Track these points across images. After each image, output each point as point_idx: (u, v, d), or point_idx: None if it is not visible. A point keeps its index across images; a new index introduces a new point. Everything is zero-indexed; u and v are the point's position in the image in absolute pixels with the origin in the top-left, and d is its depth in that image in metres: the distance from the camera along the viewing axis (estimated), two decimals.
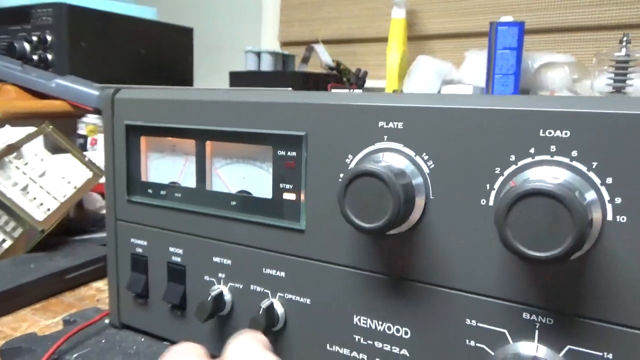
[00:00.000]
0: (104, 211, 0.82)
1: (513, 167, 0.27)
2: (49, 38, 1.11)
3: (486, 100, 0.29)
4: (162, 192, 0.42)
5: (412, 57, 1.30)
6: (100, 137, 0.99)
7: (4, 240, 0.65)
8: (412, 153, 0.30)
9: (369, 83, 1.33)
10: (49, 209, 0.68)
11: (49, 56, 1.12)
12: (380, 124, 0.31)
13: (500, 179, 0.28)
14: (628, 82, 0.93)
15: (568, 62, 1.06)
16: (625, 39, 0.93)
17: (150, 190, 0.43)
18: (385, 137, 0.31)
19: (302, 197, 0.35)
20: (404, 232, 0.31)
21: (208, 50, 1.65)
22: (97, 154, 0.97)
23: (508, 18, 1.02)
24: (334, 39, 1.52)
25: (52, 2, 1.12)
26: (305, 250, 0.35)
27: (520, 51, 1.00)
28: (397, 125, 0.31)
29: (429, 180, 0.30)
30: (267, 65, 1.34)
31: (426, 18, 1.39)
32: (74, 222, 0.79)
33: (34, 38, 1.12)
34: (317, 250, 0.35)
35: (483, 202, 0.28)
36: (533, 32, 1.18)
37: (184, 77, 1.45)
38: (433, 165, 0.30)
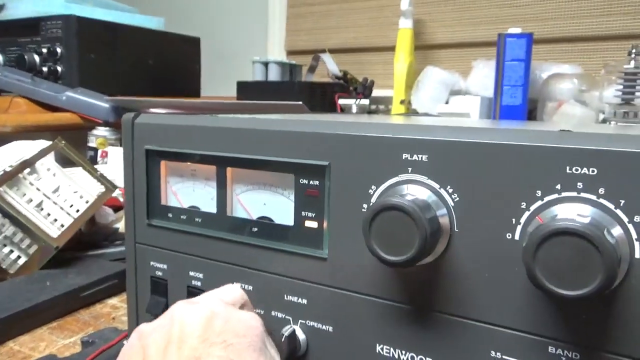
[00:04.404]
0: (116, 225, 0.83)
1: (539, 203, 0.27)
2: (58, 50, 1.12)
3: (513, 135, 0.29)
4: (182, 217, 0.42)
5: (419, 66, 1.30)
6: (111, 150, 0.99)
7: (18, 257, 0.65)
8: (436, 185, 0.31)
9: (375, 92, 1.34)
10: (62, 225, 0.68)
11: (59, 68, 1.12)
12: (405, 156, 0.31)
13: (527, 214, 0.28)
14: (637, 93, 0.93)
15: (576, 73, 1.06)
16: (634, 50, 0.93)
17: (170, 215, 0.43)
18: (410, 169, 0.31)
19: (325, 225, 0.35)
20: (429, 263, 0.31)
21: (215, 59, 1.66)
22: (107, 167, 0.97)
23: (516, 29, 1.02)
24: (341, 48, 1.53)
25: (62, 14, 1.13)
26: (328, 279, 0.35)
27: (528, 63, 1.00)
28: (422, 157, 0.31)
29: (453, 213, 0.30)
30: (274, 75, 1.34)
31: (433, 28, 1.39)
32: (85, 236, 0.79)
33: (44, 50, 1.13)
34: (339, 279, 0.35)
35: (509, 236, 0.29)
36: (540, 42, 1.18)
37: (192, 86, 1.46)
38: (458, 199, 0.30)
